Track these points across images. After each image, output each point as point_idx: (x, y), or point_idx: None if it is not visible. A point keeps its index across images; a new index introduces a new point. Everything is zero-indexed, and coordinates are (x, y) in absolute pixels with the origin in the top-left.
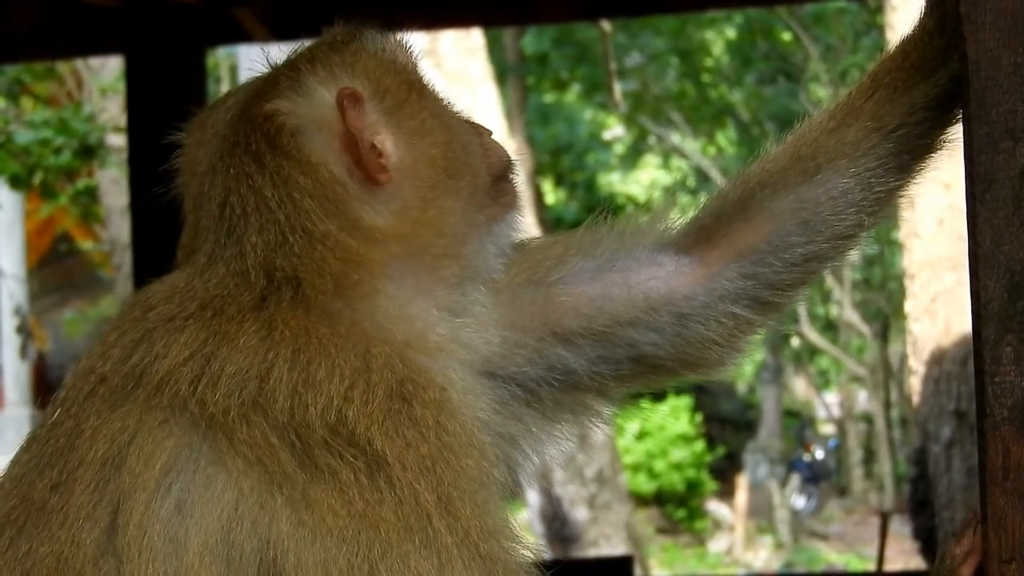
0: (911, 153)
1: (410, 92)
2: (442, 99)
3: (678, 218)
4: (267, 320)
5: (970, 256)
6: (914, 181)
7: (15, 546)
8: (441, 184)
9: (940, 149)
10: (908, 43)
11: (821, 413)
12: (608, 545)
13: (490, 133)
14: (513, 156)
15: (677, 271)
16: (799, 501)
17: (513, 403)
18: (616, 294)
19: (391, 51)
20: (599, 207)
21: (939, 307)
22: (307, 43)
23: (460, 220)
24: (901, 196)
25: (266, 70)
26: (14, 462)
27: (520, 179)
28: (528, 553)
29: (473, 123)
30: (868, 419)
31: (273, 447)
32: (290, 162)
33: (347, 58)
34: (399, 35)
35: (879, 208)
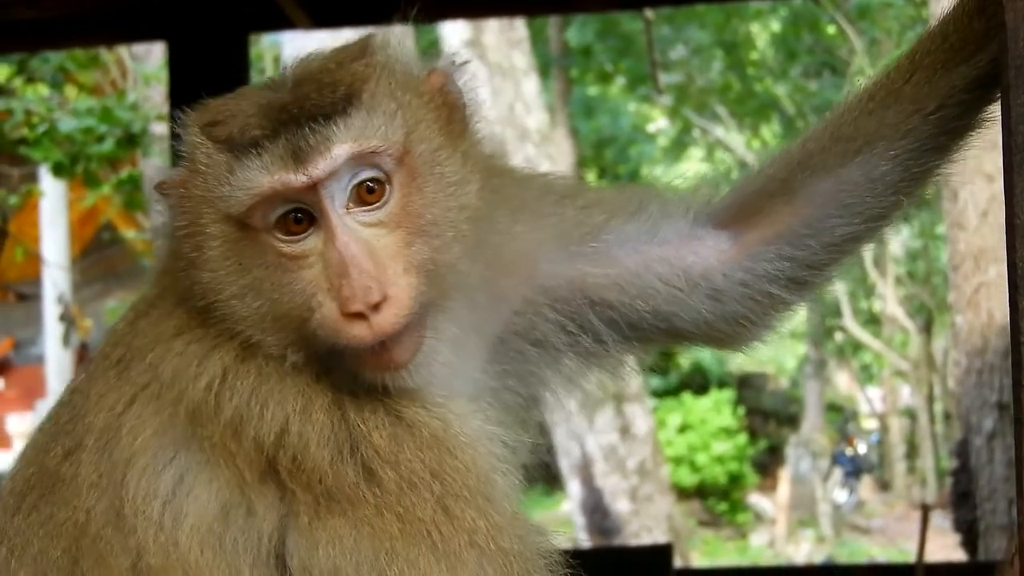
0: (949, 134)
1: None
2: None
3: (719, 191)
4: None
5: (1007, 227)
6: (952, 161)
7: (38, 510)
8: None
9: (979, 129)
10: (947, 24)
11: (864, 407)
12: (649, 537)
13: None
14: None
15: (716, 248)
16: (841, 495)
17: (538, 365)
18: (656, 269)
19: None
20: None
21: (982, 298)
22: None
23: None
24: (939, 176)
25: None
26: (40, 428)
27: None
28: (549, 541)
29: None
30: (911, 414)
31: (263, 459)
32: None
33: None
34: None
35: (917, 188)
